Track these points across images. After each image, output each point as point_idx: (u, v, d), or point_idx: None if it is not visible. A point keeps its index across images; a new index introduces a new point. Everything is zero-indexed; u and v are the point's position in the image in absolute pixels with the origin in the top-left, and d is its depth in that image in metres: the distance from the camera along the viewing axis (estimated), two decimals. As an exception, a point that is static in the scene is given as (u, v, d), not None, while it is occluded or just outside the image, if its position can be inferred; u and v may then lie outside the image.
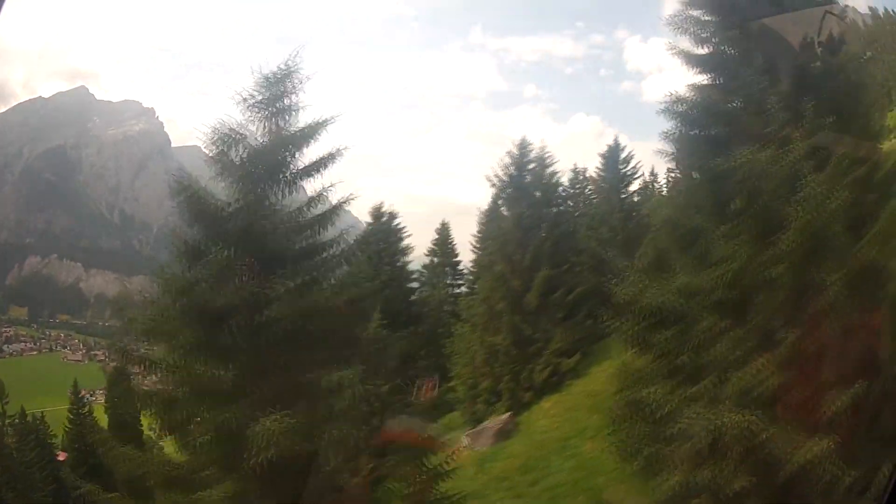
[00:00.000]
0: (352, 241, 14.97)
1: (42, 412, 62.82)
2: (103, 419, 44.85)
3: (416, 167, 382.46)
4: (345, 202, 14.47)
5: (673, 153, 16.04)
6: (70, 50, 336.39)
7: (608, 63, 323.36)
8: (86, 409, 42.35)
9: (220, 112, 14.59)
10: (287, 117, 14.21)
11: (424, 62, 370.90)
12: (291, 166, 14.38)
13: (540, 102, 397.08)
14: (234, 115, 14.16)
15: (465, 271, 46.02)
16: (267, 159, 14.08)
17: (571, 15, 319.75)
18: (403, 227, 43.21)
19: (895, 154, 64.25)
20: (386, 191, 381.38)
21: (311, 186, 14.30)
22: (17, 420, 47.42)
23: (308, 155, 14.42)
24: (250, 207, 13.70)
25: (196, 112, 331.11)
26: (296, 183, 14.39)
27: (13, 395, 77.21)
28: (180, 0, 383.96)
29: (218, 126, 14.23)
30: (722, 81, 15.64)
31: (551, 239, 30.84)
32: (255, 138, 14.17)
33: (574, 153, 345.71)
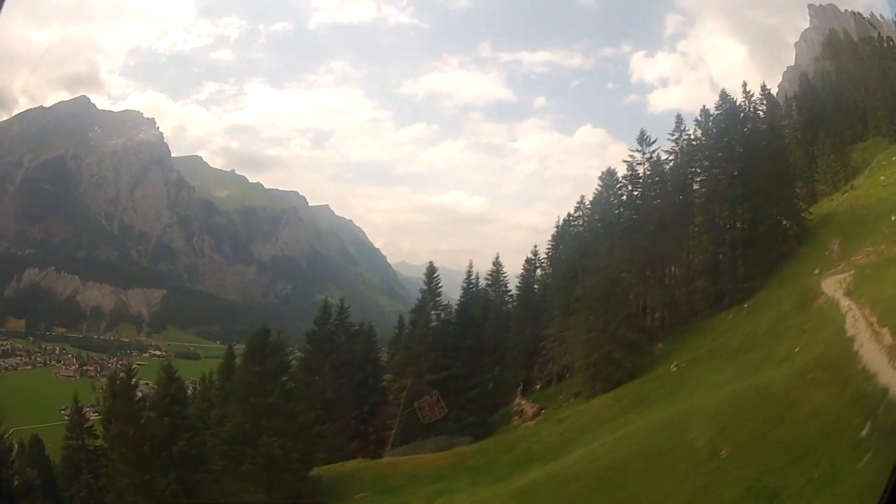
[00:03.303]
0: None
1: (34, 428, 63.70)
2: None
3: (422, 177, 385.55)
4: None
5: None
6: (73, 57, 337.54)
7: (615, 76, 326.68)
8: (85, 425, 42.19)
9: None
10: None
11: (437, 75, 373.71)
12: None
13: (548, 114, 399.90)
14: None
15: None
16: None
17: (580, 30, 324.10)
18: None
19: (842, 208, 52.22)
20: (393, 199, 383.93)
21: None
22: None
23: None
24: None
25: (206, 120, 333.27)
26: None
27: (6, 412, 78.04)
28: (193, 9, 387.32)
29: None
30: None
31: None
32: None
33: (580, 163, 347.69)
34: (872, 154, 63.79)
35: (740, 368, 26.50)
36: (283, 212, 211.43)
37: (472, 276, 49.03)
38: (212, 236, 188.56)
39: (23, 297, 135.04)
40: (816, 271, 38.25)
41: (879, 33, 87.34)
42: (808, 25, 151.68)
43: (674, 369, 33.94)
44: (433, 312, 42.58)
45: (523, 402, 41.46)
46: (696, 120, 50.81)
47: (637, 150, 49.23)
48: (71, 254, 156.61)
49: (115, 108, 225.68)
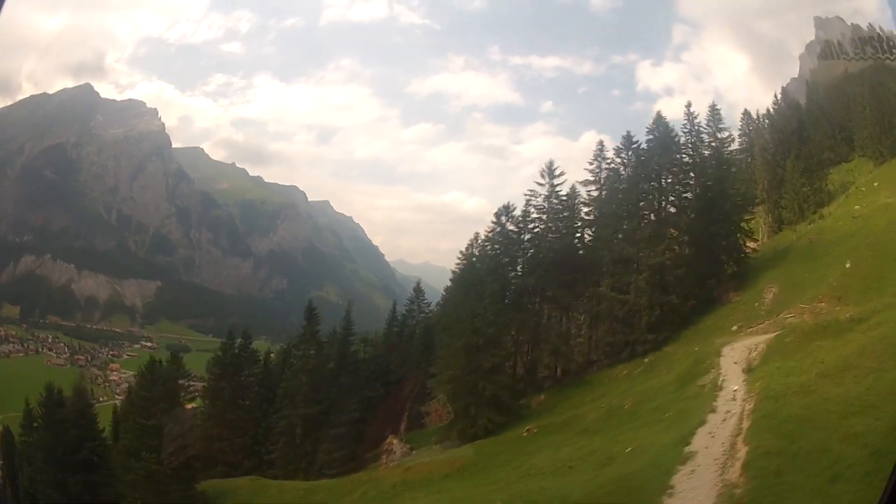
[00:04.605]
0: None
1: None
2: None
3: (424, 176, 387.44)
4: None
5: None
6: (81, 44, 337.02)
7: (621, 84, 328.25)
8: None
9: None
10: None
11: (445, 76, 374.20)
12: None
13: (555, 118, 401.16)
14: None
15: None
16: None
17: (591, 37, 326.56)
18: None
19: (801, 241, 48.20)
20: (394, 197, 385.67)
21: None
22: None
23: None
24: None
25: (212, 112, 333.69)
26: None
27: (-4, 400, 79.04)
28: (205, 1, 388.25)
29: None
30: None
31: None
32: None
33: (581, 167, 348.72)
34: (854, 177, 58.09)
35: (561, 460, 23.23)
36: (282, 206, 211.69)
37: (351, 313, 50.13)
38: (209, 229, 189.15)
39: (18, 284, 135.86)
40: (734, 328, 33.21)
41: (878, 45, 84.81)
42: (813, 38, 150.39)
43: (525, 434, 31.90)
44: (311, 350, 43.93)
45: (394, 440, 40.66)
46: (616, 148, 45.52)
47: (539, 183, 44.34)
48: (68, 242, 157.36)
49: (122, 97, 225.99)
